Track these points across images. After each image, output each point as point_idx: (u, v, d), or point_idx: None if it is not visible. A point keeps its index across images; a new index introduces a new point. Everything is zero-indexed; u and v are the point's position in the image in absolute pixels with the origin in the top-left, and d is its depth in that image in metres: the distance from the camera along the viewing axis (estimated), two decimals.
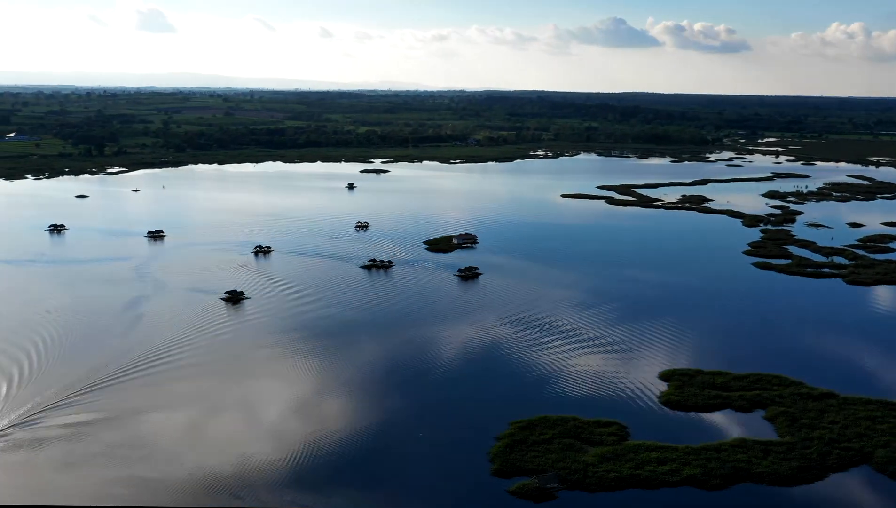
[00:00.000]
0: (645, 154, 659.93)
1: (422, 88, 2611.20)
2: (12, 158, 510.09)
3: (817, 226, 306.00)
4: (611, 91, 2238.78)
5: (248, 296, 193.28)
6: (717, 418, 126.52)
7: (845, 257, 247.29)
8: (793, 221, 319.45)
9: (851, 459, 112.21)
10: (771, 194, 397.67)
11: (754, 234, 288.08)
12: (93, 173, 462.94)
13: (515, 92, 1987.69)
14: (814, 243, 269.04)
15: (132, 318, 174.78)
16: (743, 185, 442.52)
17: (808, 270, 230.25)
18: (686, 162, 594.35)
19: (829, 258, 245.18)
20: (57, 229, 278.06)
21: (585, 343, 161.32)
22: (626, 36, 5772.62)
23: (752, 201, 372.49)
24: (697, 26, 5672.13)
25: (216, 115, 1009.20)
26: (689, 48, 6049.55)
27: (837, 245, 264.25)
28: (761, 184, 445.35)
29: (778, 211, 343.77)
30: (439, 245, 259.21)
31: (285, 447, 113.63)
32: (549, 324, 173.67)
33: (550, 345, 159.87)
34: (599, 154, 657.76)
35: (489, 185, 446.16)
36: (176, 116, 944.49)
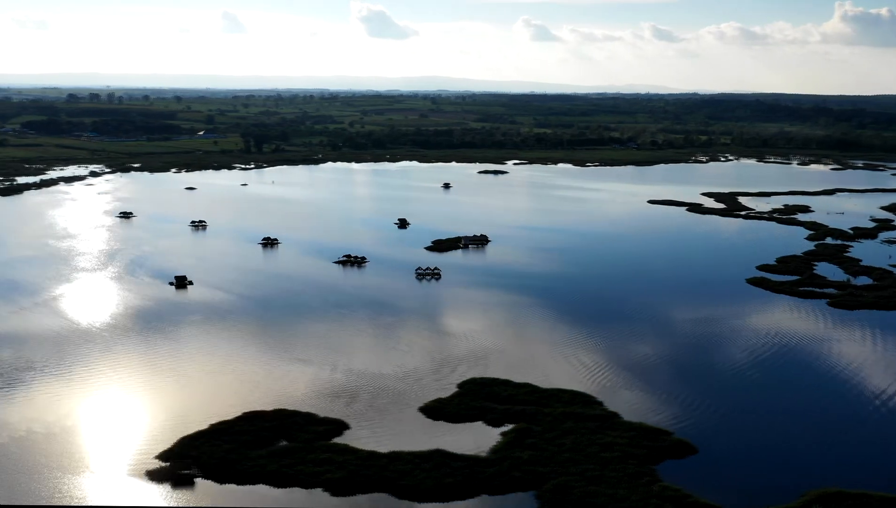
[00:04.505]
0: (812, 161, 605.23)
1: (654, 91, 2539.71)
2: (177, 154, 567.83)
3: (892, 243, 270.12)
4: (859, 94, 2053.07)
5: (192, 282, 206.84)
6: (450, 428, 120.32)
7: (872, 278, 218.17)
8: (874, 236, 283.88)
9: (526, 483, 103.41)
10: (893, 208, 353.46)
11: (807, 247, 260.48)
12: (230, 169, 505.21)
13: (751, 94, 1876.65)
14: (859, 260, 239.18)
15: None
16: (876, 196, 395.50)
17: (801, 289, 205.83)
18: (850, 170, 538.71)
19: (847, 278, 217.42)
20: (125, 216, 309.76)
21: (431, 350, 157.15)
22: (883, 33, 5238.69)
23: (862, 213, 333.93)
24: None
25: (409, 116, 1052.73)
26: None
27: (887, 265, 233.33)
28: None
29: (873, 224, 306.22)
30: (442, 246, 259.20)
31: None
32: (425, 324, 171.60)
33: (397, 347, 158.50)
34: (759, 160, 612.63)
35: (587, 187, 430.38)
36: (367, 118, 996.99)
